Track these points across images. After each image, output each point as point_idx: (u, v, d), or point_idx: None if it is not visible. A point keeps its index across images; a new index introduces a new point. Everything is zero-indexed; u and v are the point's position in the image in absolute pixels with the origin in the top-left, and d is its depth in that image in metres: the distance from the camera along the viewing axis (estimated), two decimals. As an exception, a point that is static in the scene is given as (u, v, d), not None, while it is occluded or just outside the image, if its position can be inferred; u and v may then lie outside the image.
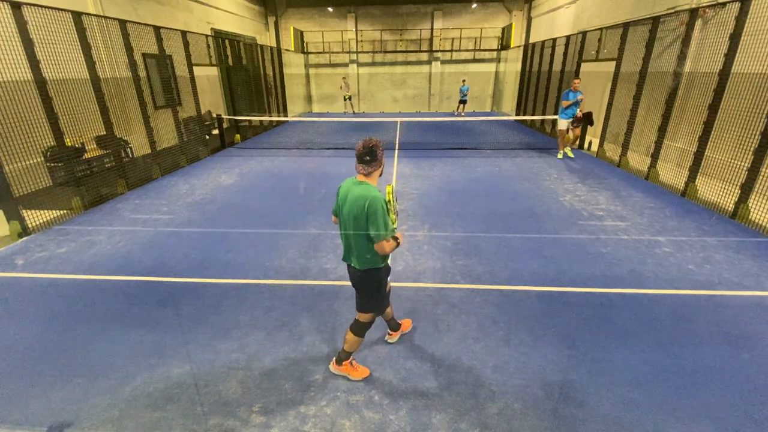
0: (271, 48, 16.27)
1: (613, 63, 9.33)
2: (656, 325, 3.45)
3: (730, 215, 5.82)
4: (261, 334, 3.39)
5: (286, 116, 17.61)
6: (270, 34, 21.01)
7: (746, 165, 5.60)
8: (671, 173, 7.27)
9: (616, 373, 2.92)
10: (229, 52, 12.84)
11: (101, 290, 4.10)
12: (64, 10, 6.17)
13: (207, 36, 11.53)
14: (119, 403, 2.69)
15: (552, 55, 13.31)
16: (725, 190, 6.02)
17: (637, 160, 8.41)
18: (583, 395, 2.73)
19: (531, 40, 18.72)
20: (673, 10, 7.85)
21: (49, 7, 5.82)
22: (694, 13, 7.00)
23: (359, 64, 21.96)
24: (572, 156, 9.89)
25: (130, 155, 8.17)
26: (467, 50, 21.25)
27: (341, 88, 20.56)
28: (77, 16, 6.43)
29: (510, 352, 3.15)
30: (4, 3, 5.24)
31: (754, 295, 3.90)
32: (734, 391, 2.75)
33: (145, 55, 8.53)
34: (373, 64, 22.06)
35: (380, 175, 2.57)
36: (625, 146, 8.76)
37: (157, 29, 8.56)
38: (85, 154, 7.05)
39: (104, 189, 7.00)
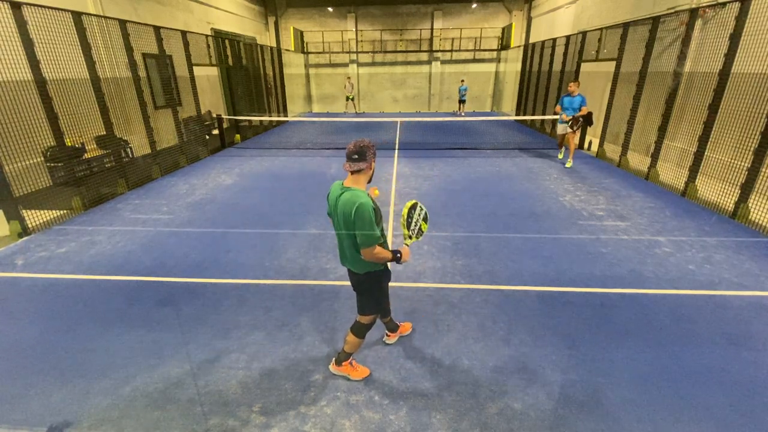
0: (271, 48, 16.27)
1: (613, 63, 9.33)
2: (656, 325, 3.45)
3: (730, 215, 5.82)
4: (261, 334, 3.39)
5: (286, 116, 17.61)
6: (270, 34, 21.01)
7: (746, 165, 5.60)
8: (671, 173, 7.27)
9: (616, 373, 2.92)
10: (229, 52, 12.84)
11: (101, 290, 4.10)
12: (64, 10, 6.17)
13: (207, 36, 11.53)
14: (119, 403, 2.69)
15: (552, 55, 13.31)
16: (725, 190, 6.02)
17: (637, 160, 8.41)
18: (583, 395, 2.73)
19: (531, 40, 18.72)
20: (673, 10, 7.85)
21: (49, 7, 5.82)
22: (694, 13, 7.00)
23: (359, 64, 21.96)
24: (569, 166, 9.03)
25: (130, 155, 8.17)
26: (467, 50, 21.25)
27: (345, 87, 20.58)
28: (77, 16, 6.43)
29: (510, 352, 3.15)
30: (4, 3, 5.24)
31: (754, 295, 3.90)
32: (734, 391, 2.75)
33: (145, 55, 8.53)
34: (373, 64, 22.07)
35: (369, 181, 2.50)
36: (625, 146, 8.76)
37: (157, 29, 8.56)
38: (85, 154, 7.05)
39: (104, 189, 7.00)
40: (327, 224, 5.74)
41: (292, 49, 19.77)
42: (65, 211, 6.18)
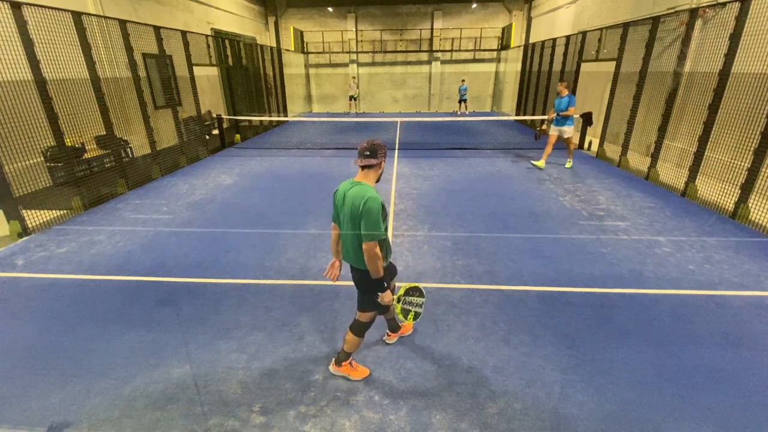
0: (271, 48, 16.27)
1: (613, 63, 9.33)
2: (656, 325, 3.45)
3: (730, 215, 5.82)
4: (261, 334, 3.39)
5: (286, 116, 17.61)
6: (270, 34, 21.01)
7: (746, 165, 5.60)
8: (671, 173, 7.27)
9: (616, 373, 2.92)
10: (229, 52, 12.84)
11: (101, 290, 4.10)
12: (64, 10, 6.17)
13: (207, 36, 11.53)
14: (119, 403, 2.69)
15: (552, 55, 13.31)
16: (725, 190, 6.02)
17: (637, 160, 8.41)
18: (583, 395, 2.73)
19: (531, 40, 18.72)
20: (673, 10, 7.85)
21: (49, 7, 5.82)
22: (694, 13, 7.00)
23: (359, 64, 21.96)
24: (569, 166, 8.92)
25: (130, 155, 8.17)
26: (467, 50, 21.26)
27: (350, 86, 20.59)
28: (77, 16, 6.43)
29: (510, 352, 3.15)
30: (4, 3, 5.24)
31: (754, 295, 3.90)
32: (734, 391, 2.75)
33: (145, 55, 8.53)
34: (373, 64, 22.07)
35: (378, 180, 2.55)
36: (625, 146, 8.76)
37: (157, 29, 8.56)
38: (85, 154, 7.05)
39: (104, 189, 7.00)
40: (327, 224, 5.73)
41: (292, 49, 19.77)
42: (65, 211, 6.18)
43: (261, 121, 15.40)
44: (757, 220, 5.48)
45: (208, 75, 13.66)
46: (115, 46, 7.51)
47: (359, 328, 2.78)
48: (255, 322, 3.54)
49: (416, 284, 2.78)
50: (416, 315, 2.75)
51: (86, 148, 7.03)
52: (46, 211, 5.99)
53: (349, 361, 2.88)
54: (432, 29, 21.13)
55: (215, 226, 5.77)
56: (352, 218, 2.43)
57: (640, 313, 3.62)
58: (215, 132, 12.52)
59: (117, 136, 7.42)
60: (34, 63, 5.57)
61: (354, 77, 20.81)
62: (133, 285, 4.19)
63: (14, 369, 3.02)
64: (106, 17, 7.33)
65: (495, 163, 9.44)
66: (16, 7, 5.36)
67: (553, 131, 8.81)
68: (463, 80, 19.53)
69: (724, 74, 6.06)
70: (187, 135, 9.88)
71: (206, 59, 11.13)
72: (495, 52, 21.36)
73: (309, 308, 3.75)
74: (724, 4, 6.25)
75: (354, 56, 21.71)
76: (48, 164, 6.34)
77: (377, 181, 2.55)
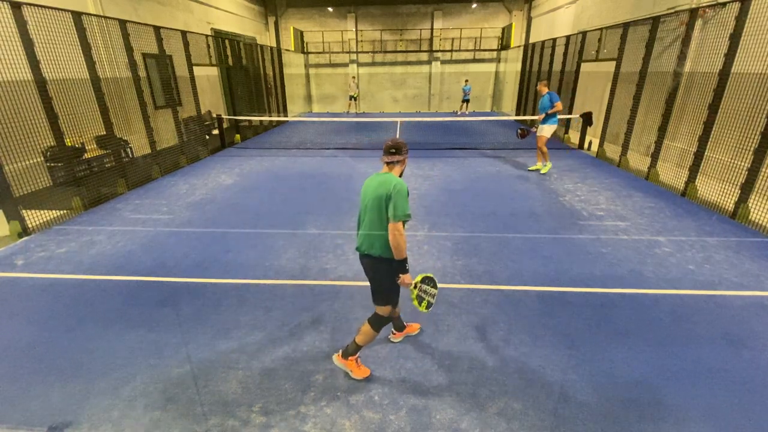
0: (271, 48, 16.27)
1: (613, 63, 9.33)
2: (656, 325, 3.45)
3: (730, 215, 5.82)
4: (261, 334, 3.39)
5: (286, 116, 17.61)
6: (270, 34, 21.01)
7: (746, 165, 5.60)
8: (671, 173, 7.27)
9: (616, 373, 2.92)
10: (229, 52, 12.84)
11: (101, 290, 4.10)
12: (64, 10, 6.17)
13: (207, 36, 11.53)
14: (119, 403, 2.69)
15: (552, 55, 13.31)
16: (725, 190, 6.02)
17: (637, 160, 8.41)
18: (583, 395, 2.73)
19: (531, 40, 18.72)
20: (673, 10, 7.85)
21: (49, 7, 5.82)
22: (694, 13, 7.00)
23: (359, 64, 21.96)
24: (536, 169, 8.62)
25: (130, 155, 8.17)
26: (467, 50, 21.26)
27: (350, 86, 20.60)
28: (77, 16, 6.43)
29: (510, 352, 3.15)
30: (4, 3, 5.24)
31: (754, 295, 3.90)
32: (734, 391, 2.75)
33: (145, 55, 8.53)
34: (373, 64, 22.07)
35: (401, 174, 2.72)
36: (625, 146, 8.76)
37: (157, 29, 8.56)
38: (85, 154, 7.06)
39: (104, 189, 7.00)
40: (327, 224, 5.74)
41: (292, 49, 19.77)
42: (65, 211, 6.18)
43: (261, 121, 15.40)
44: (757, 220, 5.48)
45: (208, 75, 13.67)
46: (115, 46, 7.52)
47: (377, 322, 2.80)
48: (255, 322, 3.54)
49: (431, 275, 2.83)
50: (429, 304, 2.79)
51: (86, 148, 7.03)
52: (46, 211, 5.99)
53: (356, 357, 2.89)
54: (432, 29, 21.13)
55: (215, 226, 5.77)
56: (378, 204, 2.55)
57: (640, 313, 3.62)
58: (215, 132, 12.53)
59: (117, 136, 7.42)
60: (34, 63, 5.57)
61: (354, 77, 20.82)
62: (133, 285, 4.19)
63: (14, 369, 3.02)
64: (106, 17, 7.33)
65: (495, 163, 9.44)
66: (16, 7, 5.36)
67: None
68: (467, 80, 19.58)
69: (724, 74, 6.06)
70: (187, 135, 9.88)
71: (206, 59, 11.13)
72: (495, 52, 21.36)
73: (309, 308, 3.75)
74: (724, 4, 6.25)
75: (354, 56, 21.71)
76: (48, 164, 6.34)
77: (400, 175, 2.72)
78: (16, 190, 5.40)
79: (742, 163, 5.68)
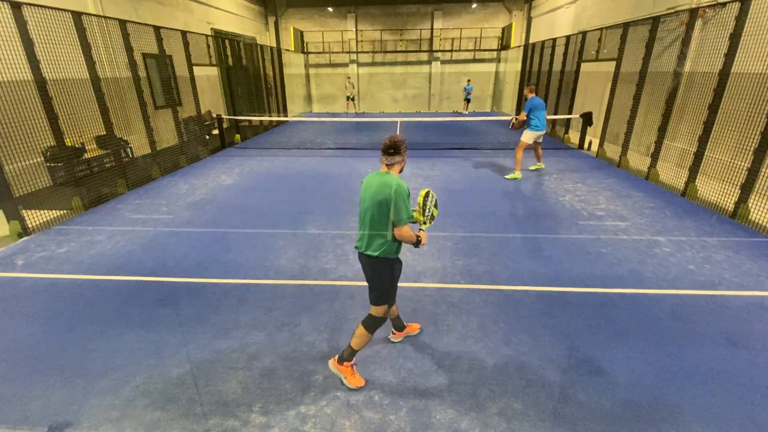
0: (271, 48, 16.27)
1: (613, 63, 9.33)
2: (656, 325, 3.45)
3: (730, 215, 5.82)
4: (261, 334, 3.39)
5: (286, 116, 17.61)
6: (270, 34, 21.01)
7: (746, 165, 5.60)
8: (671, 173, 7.27)
9: (616, 373, 2.92)
10: (229, 52, 12.85)
11: (101, 290, 4.10)
12: (64, 10, 6.17)
13: (207, 36, 11.54)
14: (119, 403, 2.69)
15: (552, 55, 13.31)
16: (725, 190, 6.02)
17: (637, 160, 8.41)
18: (583, 395, 2.73)
19: (531, 40, 18.73)
20: (673, 10, 7.85)
21: (49, 7, 5.82)
22: (694, 13, 7.00)
23: (359, 64, 21.96)
24: (510, 177, 8.14)
25: (130, 155, 8.17)
26: (467, 50, 21.26)
27: (345, 87, 20.59)
28: (77, 16, 6.43)
29: (510, 352, 3.15)
30: (4, 3, 5.24)
31: (754, 295, 3.90)
32: (734, 391, 2.75)
33: (145, 55, 8.53)
34: (373, 64, 22.07)
35: (401, 171, 2.73)
36: (625, 146, 8.76)
37: (157, 29, 8.56)
38: (85, 154, 7.05)
39: (104, 189, 7.00)
40: (327, 224, 5.74)
41: (292, 49, 19.77)
42: (65, 211, 6.18)
43: (261, 121, 15.40)
44: (757, 220, 5.48)
45: (208, 75, 13.66)
46: (115, 46, 7.52)
47: (371, 324, 2.78)
48: (255, 322, 3.54)
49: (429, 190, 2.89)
50: (432, 217, 2.87)
51: (86, 148, 7.03)
52: (46, 211, 5.99)
53: (352, 363, 2.85)
54: (432, 29, 21.13)
55: (215, 226, 5.77)
56: (378, 204, 2.56)
57: (640, 313, 3.62)
58: (215, 132, 12.52)
59: (117, 136, 7.42)
60: (34, 63, 5.57)
61: (349, 77, 20.79)
62: (133, 285, 4.19)
63: (14, 369, 3.02)
64: (106, 17, 7.33)
65: (495, 163, 9.44)
66: (16, 7, 5.36)
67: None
68: (469, 80, 19.63)
69: (724, 74, 6.06)
70: (187, 135, 9.87)
71: (206, 59, 11.13)
72: (495, 52, 21.36)
73: (309, 308, 3.75)
74: (724, 4, 6.25)
75: (354, 56, 21.71)
76: (48, 164, 6.34)
77: (400, 171, 2.74)
78: (16, 190, 5.40)
79: (742, 163, 5.68)
